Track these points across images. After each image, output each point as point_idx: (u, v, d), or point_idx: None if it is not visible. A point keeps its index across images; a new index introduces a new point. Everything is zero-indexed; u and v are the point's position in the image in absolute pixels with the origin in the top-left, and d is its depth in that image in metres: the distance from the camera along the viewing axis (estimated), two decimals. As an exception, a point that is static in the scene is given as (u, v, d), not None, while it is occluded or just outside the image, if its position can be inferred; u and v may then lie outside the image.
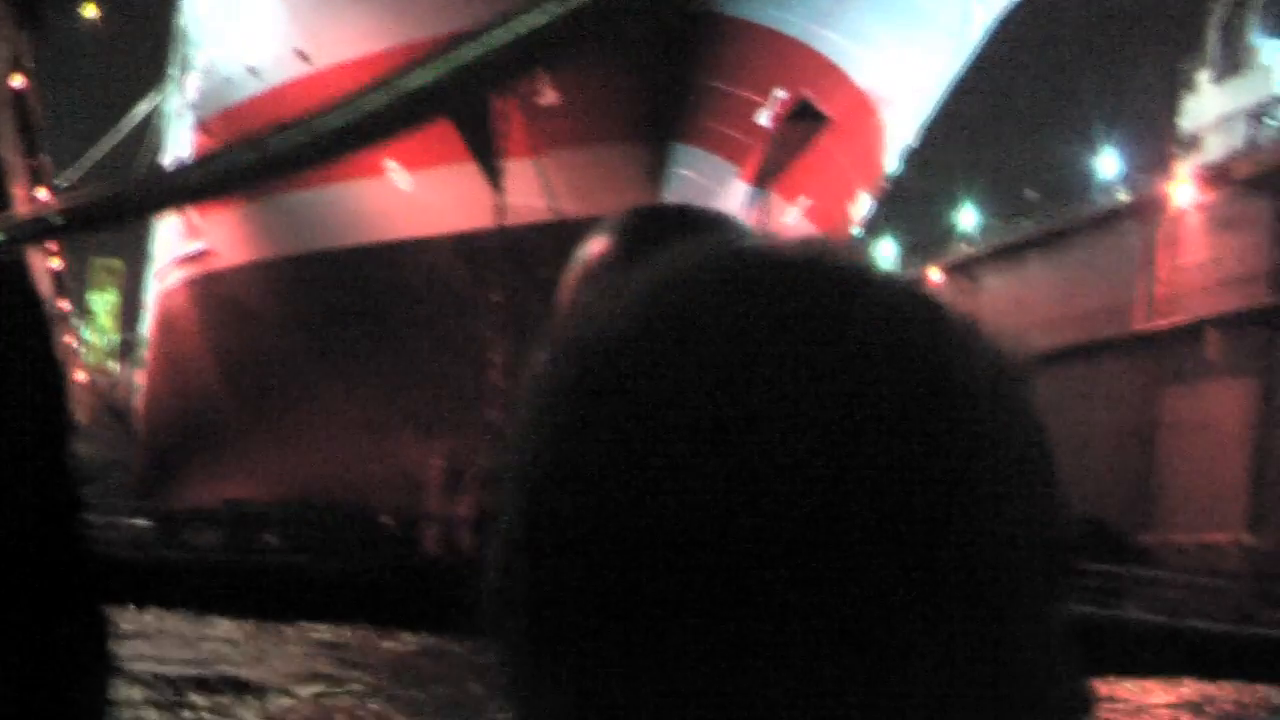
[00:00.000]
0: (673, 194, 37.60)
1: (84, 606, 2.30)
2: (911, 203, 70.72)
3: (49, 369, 2.40)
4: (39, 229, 45.29)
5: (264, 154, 39.26)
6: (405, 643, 29.49)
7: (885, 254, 72.23)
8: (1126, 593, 38.17)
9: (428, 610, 31.54)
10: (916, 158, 55.94)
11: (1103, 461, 45.90)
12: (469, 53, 35.29)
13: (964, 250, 62.27)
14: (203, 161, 45.51)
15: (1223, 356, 44.28)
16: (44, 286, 46.35)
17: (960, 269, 61.31)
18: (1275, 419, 42.86)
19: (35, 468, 2.32)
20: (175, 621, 29.93)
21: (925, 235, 69.08)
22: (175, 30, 60.42)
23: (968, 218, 63.92)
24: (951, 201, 65.43)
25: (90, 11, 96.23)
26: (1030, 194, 59.64)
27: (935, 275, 62.37)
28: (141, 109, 68.56)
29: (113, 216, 46.50)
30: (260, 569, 36.64)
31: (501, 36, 34.55)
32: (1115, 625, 33.88)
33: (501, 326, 39.26)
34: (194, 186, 43.27)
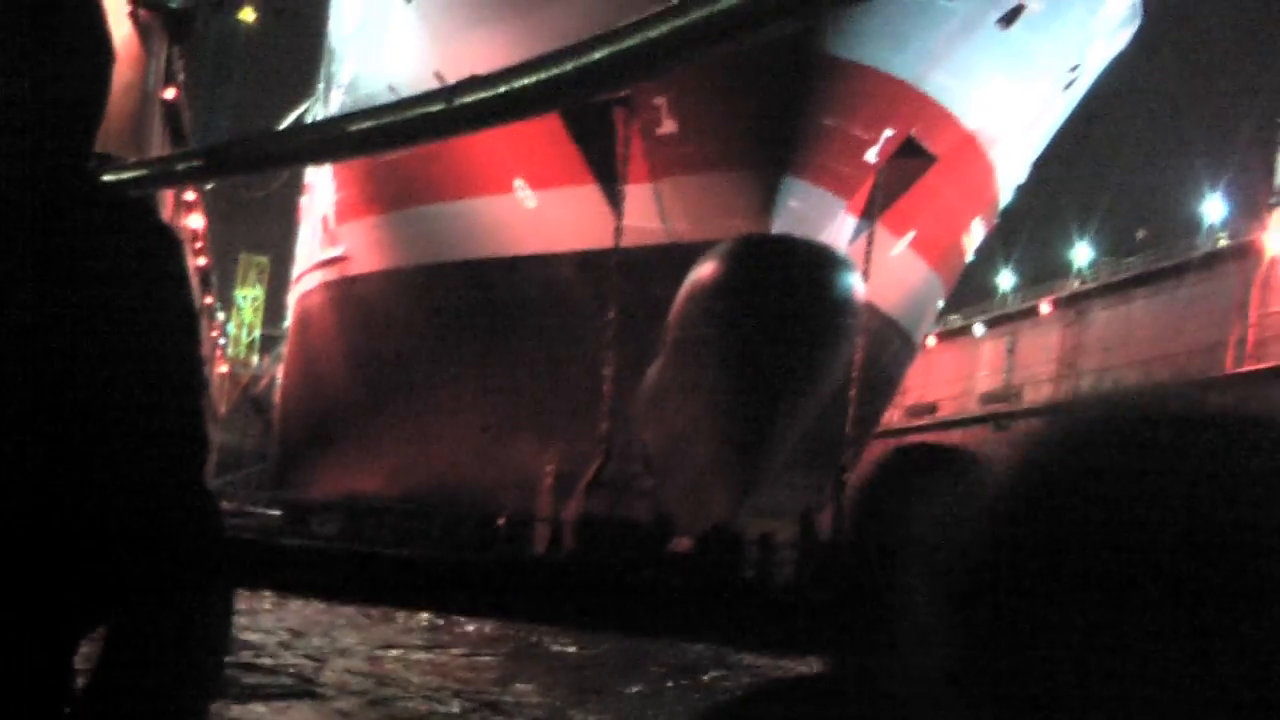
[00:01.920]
0: (782, 223, 38.21)
1: (212, 572, 2.28)
2: (1030, 236, 71.30)
3: (184, 302, 2.35)
4: (177, 169, 45.92)
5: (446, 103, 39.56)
6: (504, 630, 30.09)
7: (1004, 284, 73.26)
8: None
9: (533, 602, 33.08)
10: (1033, 194, 56.51)
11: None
12: (616, 45, 36.16)
13: (1075, 285, 63.12)
14: (338, 119, 46.77)
15: (1304, 402, 44.60)
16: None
17: (1070, 302, 61.99)
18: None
19: (167, 408, 2.28)
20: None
21: (1042, 268, 69.67)
22: (325, 42, 61.19)
23: (1082, 253, 64.72)
24: (1068, 236, 66.11)
25: (248, 16, 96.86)
26: (1141, 233, 60.36)
27: (1045, 308, 63.63)
28: (290, 119, 69.33)
29: (252, 162, 47.19)
30: (371, 558, 38.29)
31: (646, 33, 35.64)
32: None
33: (615, 341, 40.20)
34: (327, 142, 44.57)
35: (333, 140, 44.08)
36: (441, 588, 34.23)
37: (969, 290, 71.55)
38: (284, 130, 48.71)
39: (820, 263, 37.44)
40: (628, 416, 40.57)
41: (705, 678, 24.08)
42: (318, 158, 48.27)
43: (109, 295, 2.25)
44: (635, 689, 22.15)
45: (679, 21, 35.08)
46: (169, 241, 2.38)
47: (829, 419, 42.00)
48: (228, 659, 2.32)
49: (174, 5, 46.72)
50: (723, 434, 37.79)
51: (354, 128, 42.54)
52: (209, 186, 59.75)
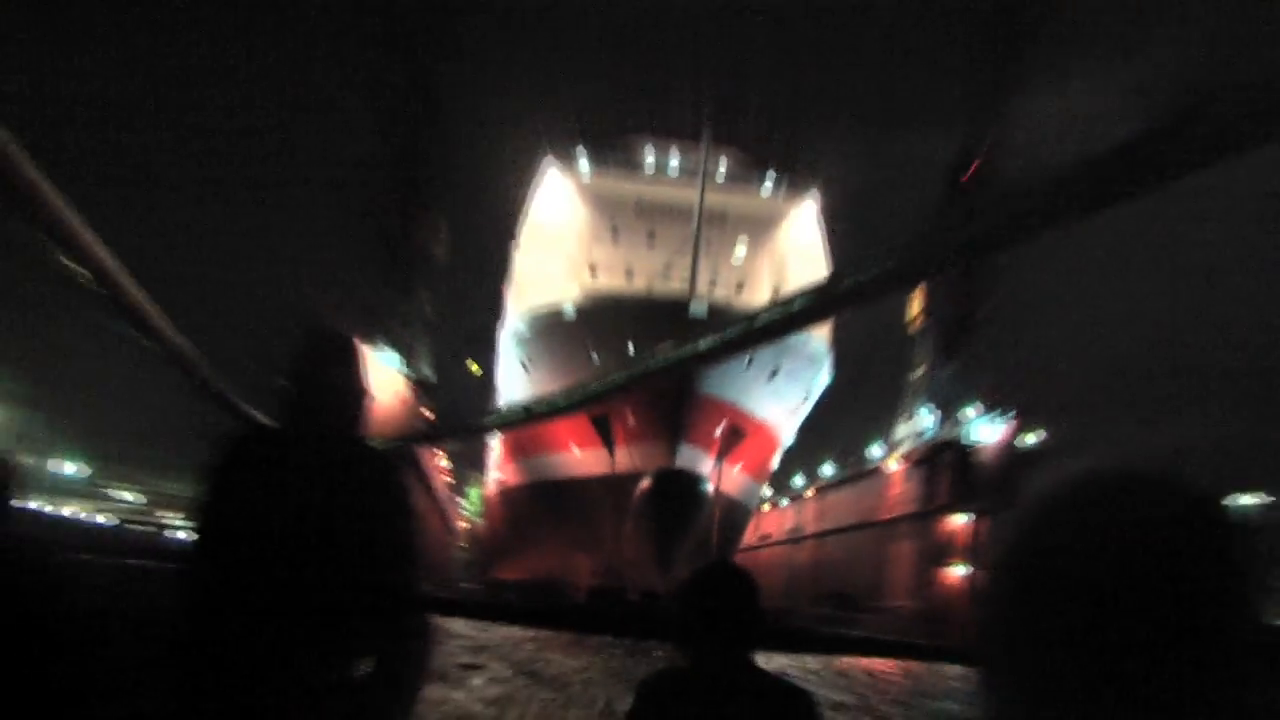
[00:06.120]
0: (679, 461, 56.28)
1: (415, 624, 3.43)
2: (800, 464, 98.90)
3: (405, 527, 3.49)
4: (421, 437, 63.58)
5: (527, 413, 55.27)
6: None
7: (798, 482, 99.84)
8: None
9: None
10: (799, 446, 79.76)
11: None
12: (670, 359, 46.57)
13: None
14: (487, 418, 64.77)
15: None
16: (427, 474, 65.54)
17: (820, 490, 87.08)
18: None
19: (396, 566, 3.53)
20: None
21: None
22: (493, 386, 79.29)
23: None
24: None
25: (475, 369, 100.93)
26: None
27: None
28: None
29: (461, 433, 70.05)
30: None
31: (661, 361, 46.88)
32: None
33: (614, 508, 57.89)
34: (482, 427, 65.44)
35: (480, 426, 66.82)
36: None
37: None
38: (468, 421, 69.16)
39: (694, 479, 56.97)
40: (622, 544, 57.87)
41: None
42: (479, 432, 72.71)
43: (365, 509, 3.35)
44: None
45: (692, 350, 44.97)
46: (395, 484, 3.42)
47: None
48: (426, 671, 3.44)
49: (430, 381, 69.14)
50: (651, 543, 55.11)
51: (487, 420, 64.89)
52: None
